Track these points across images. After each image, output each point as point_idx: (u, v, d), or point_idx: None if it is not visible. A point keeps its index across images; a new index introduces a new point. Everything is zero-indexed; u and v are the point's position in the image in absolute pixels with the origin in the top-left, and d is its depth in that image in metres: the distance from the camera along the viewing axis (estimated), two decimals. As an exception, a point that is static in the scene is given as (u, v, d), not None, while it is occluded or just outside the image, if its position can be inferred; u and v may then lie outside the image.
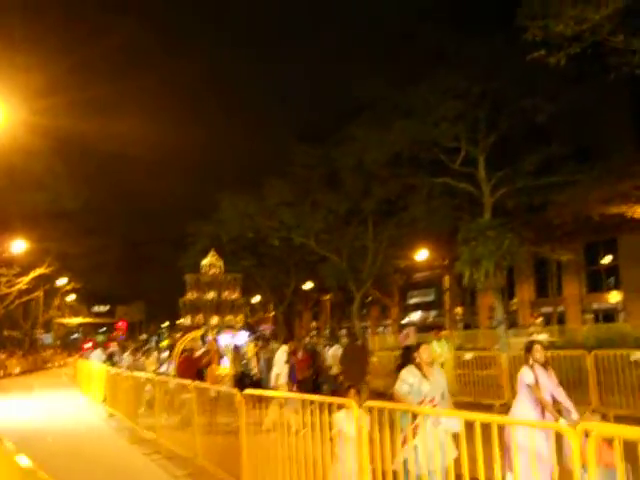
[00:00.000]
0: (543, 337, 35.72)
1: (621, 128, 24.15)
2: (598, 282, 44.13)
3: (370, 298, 53.11)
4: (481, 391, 15.64)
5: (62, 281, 58.69)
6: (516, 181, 25.12)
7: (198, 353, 17.53)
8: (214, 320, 19.91)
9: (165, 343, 26.90)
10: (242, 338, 26.54)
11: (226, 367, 17.59)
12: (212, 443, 9.12)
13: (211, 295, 18.95)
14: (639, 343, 17.21)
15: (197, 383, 10.21)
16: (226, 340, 26.41)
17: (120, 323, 78.35)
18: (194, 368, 15.77)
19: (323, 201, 32.82)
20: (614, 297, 42.29)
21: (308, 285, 51.88)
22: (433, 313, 60.50)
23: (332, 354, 19.01)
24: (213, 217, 38.21)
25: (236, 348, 21.22)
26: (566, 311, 45.55)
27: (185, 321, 19.88)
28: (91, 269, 55.51)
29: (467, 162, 25.30)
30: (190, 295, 20.54)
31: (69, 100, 38.98)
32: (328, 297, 59.82)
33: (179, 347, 18.03)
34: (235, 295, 19.81)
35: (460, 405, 15.16)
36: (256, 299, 61.74)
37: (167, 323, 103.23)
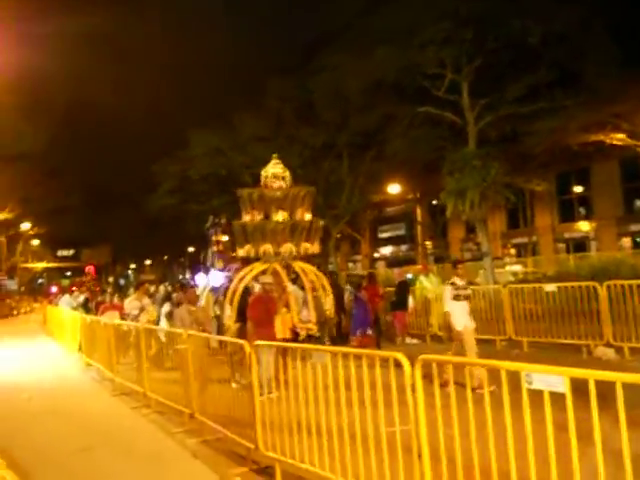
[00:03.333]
0: (517, 268, 35.89)
1: (608, 53, 23.45)
2: (570, 212, 44.02)
3: (339, 234, 52.72)
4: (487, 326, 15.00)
5: (25, 226, 57.10)
6: (500, 109, 24.39)
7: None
8: (286, 249, 13.46)
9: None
10: (218, 278, 25.15)
11: (308, 321, 13.87)
12: (216, 400, 8.26)
13: (281, 216, 13.17)
14: (636, 271, 16.82)
15: (193, 332, 9.30)
16: (203, 280, 25.13)
17: (88, 267, 76.90)
18: (271, 313, 11.24)
19: (298, 135, 31.66)
20: (585, 226, 42.29)
21: (279, 222, 50.97)
22: (404, 247, 60.21)
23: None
24: (182, 155, 36.81)
25: (214, 290, 20.20)
26: (538, 241, 45.55)
27: (243, 252, 13.78)
28: (55, 213, 53.95)
29: (451, 89, 24.41)
30: (249, 217, 13.39)
31: (25, 34, 36.57)
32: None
33: (238, 285, 14.44)
34: (309, 216, 14.12)
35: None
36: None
37: (134, 265, 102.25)
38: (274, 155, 15.40)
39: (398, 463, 4.96)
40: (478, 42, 22.96)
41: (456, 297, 10.11)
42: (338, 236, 40.04)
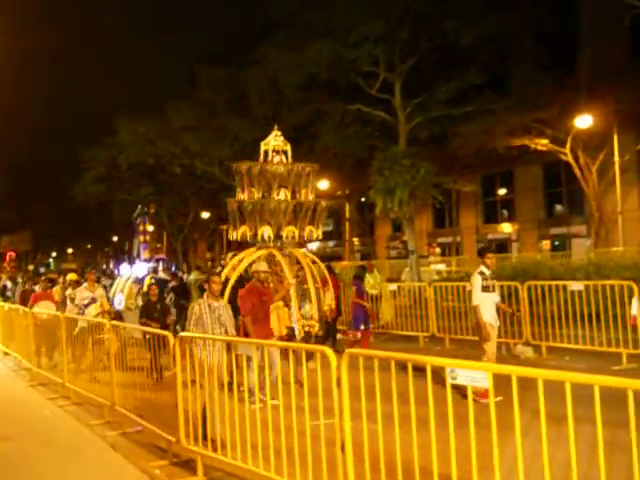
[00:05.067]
0: (441, 267, 36.56)
1: (536, 59, 24.16)
2: (493, 213, 45.03)
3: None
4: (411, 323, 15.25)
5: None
6: (431, 109, 24.75)
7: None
8: (289, 232, 10.75)
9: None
10: (142, 269, 24.63)
11: (310, 317, 12.06)
12: (138, 392, 8.10)
13: (282, 194, 10.46)
14: (553, 273, 17.31)
15: (115, 322, 9.09)
16: (126, 271, 24.55)
17: (10, 253, 74.14)
18: (267, 307, 10.05)
19: (229, 127, 31.28)
20: (508, 228, 43.36)
21: (206, 214, 50.55)
22: (331, 243, 60.48)
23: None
24: (111, 142, 35.94)
25: (137, 280, 19.79)
26: (462, 241, 46.46)
27: (237, 234, 10.84)
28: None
29: (384, 88, 24.61)
30: (245, 195, 10.72)
31: None
32: (226, 227, 58.55)
33: (231, 272, 12.53)
34: (312, 196, 11.72)
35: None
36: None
37: (55, 254, 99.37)
38: (275, 126, 13.43)
39: (321, 456, 4.96)
40: (412, 42, 23.22)
41: (485, 288, 9.42)
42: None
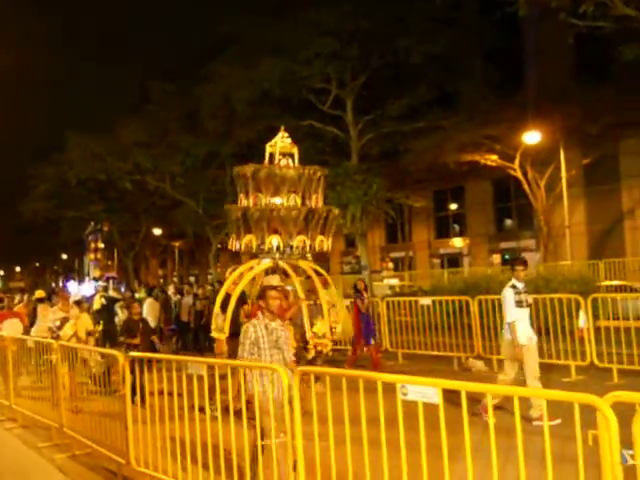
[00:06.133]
0: (394, 281, 36.82)
1: (485, 76, 24.69)
2: (445, 228, 45.56)
3: (220, 245, 52.36)
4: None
5: None
6: (382, 126, 25.01)
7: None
8: (299, 242, 10.86)
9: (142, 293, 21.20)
10: (91, 288, 24.25)
11: (322, 335, 10.67)
12: (87, 414, 7.92)
13: (292, 201, 10.45)
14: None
15: (64, 342, 8.88)
16: (74, 289, 24.15)
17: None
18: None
19: (181, 143, 31.09)
20: (459, 243, 43.91)
21: (158, 231, 50.11)
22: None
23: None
24: (59, 158, 35.36)
25: (87, 299, 19.43)
26: (415, 256, 46.86)
27: (241, 245, 10.85)
28: None
29: (336, 104, 24.81)
30: (251, 200, 10.66)
31: None
32: (178, 244, 58.10)
33: (232, 288, 11.20)
34: (321, 203, 11.22)
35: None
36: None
37: (2, 272, 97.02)
38: (282, 127, 12.06)
39: (273, 475, 4.91)
40: (363, 59, 23.48)
41: (519, 303, 8.57)
42: (219, 246, 39.72)
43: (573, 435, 3.49)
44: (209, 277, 35.69)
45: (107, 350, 7.94)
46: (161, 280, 59.21)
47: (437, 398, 3.86)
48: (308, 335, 10.54)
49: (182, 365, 6.62)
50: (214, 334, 10.66)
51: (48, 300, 15.97)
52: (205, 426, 5.72)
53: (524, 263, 9.01)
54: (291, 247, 11.15)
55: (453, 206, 44.56)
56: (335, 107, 25.13)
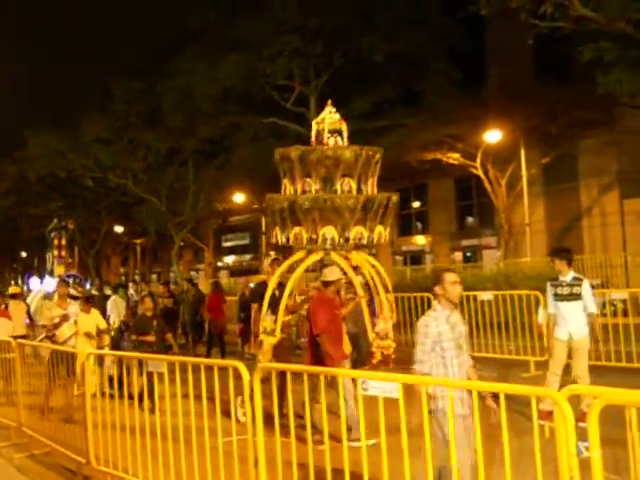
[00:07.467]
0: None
1: (448, 75, 24.87)
2: (408, 226, 45.77)
3: (182, 242, 52.10)
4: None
5: None
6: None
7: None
8: (357, 234, 9.08)
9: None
10: (51, 284, 23.89)
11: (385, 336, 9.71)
12: (46, 413, 7.81)
13: (346, 186, 8.78)
14: (465, 283, 17.67)
15: (21, 341, 8.71)
16: (36, 285, 23.79)
17: None
18: (339, 324, 8.56)
19: (143, 139, 30.80)
20: (422, 240, 44.19)
21: (120, 229, 49.63)
22: (248, 257, 60.25)
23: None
24: (19, 155, 34.81)
25: (48, 295, 19.15)
26: (377, 254, 47.00)
27: (286, 237, 9.35)
28: None
29: (299, 102, 24.80)
30: (299, 188, 9.12)
31: None
32: (140, 241, 57.58)
33: (282, 280, 10.04)
34: (375, 189, 9.86)
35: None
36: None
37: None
38: (329, 102, 10.53)
39: (234, 473, 4.90)
40: (327, 57, 23.50)
41: (558, 296, 8.19)
42: (181, 244, 39.44)
43: (530, 428, 3.55)
44: (171, 275, 35.39)
45: (65, 348, 7.79)
46: (122, 278, 58.62)
47: (397, 393, 3.89)
48: (371, 336, 9.76)
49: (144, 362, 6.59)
50: (262, 337, 9.43)
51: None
52: (165, 421, 5.68)
53: (558, 255, 8.51)
54: (347, 239, 9.86)
55: (416, 204, 44.81)
56: (299, 104, 25.10)
